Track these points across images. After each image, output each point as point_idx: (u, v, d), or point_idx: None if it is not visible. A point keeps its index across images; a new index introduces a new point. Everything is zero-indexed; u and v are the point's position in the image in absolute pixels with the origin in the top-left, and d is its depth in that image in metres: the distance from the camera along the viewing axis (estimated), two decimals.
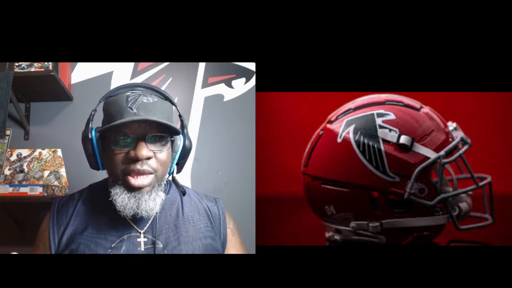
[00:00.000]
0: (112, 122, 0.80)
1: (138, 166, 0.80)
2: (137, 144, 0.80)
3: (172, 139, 0.87)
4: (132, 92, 0.84)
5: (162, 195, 0.85)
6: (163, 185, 0.87)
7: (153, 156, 0.82)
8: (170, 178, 0.92)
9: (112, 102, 0.83)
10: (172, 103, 0.89)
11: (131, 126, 0.80)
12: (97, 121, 0.87)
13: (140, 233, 0.86)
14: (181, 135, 0.89)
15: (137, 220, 0.86)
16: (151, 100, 0.83)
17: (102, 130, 0.83)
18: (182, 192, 0.89)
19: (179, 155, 0.89)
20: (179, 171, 0.93)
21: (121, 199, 0.81)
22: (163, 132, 0.83)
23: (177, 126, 0.85)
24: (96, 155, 0.84)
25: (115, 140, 0.81)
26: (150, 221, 0.88)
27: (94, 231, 0.85)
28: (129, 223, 0.87)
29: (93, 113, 0.87)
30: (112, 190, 0.83)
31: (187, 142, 0.90)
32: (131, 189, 0.81)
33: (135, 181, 0.80)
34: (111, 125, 0.79)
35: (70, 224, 0.87)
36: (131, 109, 0.80)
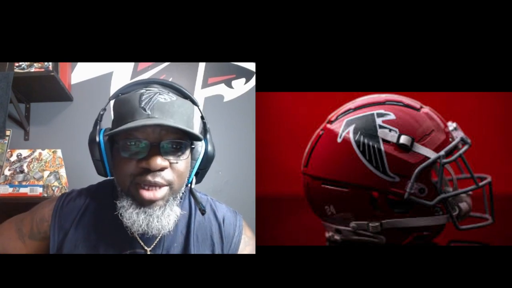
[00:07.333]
0: (122, 124, 0.69)
1: (150, 178, 0.68)
2: (150, 152, 0.68)
3: (193, 146, 0.75)
4: (147, 90, 0.72)
5: (177, 210, 0.74)
6: (178, 198, 0.76)
7: (169, 166, 0.70)
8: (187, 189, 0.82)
9: (123, 101, 0.72)
10: (194, 103, 0.77)
11: (144, 130, 0.69)
12: (106, 122, 0.78)
13: (146, 251, 0.78)
14: (203, 141, 0.77)
15: (145, 236, 0.77)
16: (169, 99, 0.70)
17: (111, 133, 0.70)
18: (202, 211, 0.76)
19: (199, 164, 0.78)
20: (198, 181, 0.81)
21: (129, 214, 0.71)
22: (181, 138, 0.71)
23: (198, 130, 0.74)
24: (104, 161, 0.73)
25: (125, 145, 0.70)
26: (159, 238, 0.79)
27: (96, 239, 0.78)
28: (136, 238, 0.78)
29: (101, 112, 0.76)
30: (118, 202, 0.72)
31: (209, 148, 0.78)
32: (141, 203, 0.70)
33: (147, 193, 0.69)
34: (119, 129, 0.68)
35: (72, 229, 0.79)
36: (144, 110, 0.68)
